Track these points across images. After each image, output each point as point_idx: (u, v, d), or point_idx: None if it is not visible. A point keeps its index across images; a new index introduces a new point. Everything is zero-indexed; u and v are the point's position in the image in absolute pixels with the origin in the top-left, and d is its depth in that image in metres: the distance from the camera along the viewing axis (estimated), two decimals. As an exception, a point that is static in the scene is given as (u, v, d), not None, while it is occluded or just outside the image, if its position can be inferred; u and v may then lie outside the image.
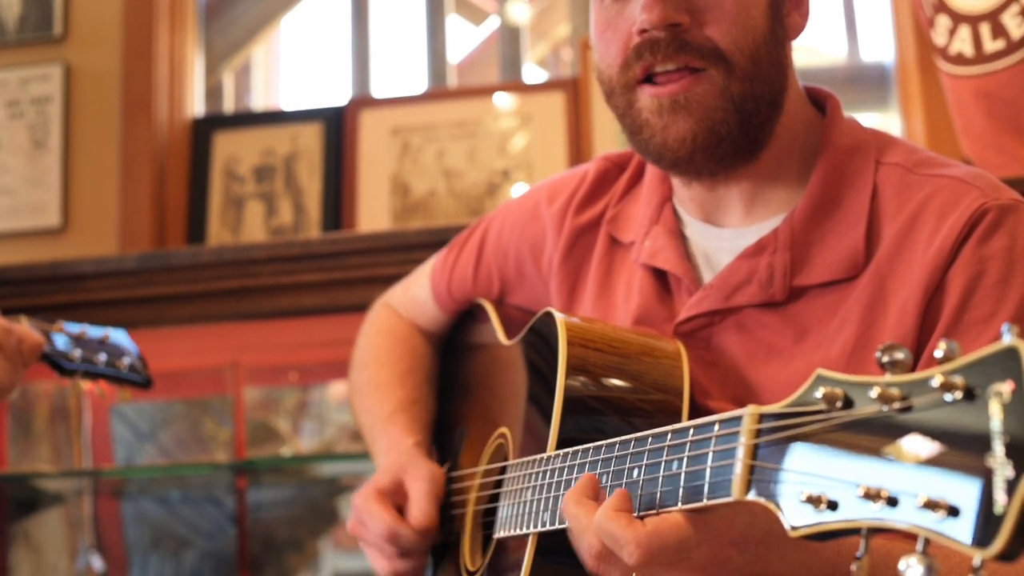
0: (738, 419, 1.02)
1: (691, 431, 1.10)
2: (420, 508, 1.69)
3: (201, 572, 3.18)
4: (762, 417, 0.99)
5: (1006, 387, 0.78)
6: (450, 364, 2.03)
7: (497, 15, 3.79)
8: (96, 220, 3.31)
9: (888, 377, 0.87)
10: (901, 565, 0.82)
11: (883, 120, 3.42)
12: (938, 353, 0.85)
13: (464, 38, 4.36)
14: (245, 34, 3.77)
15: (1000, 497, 0.76)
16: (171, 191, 3.37)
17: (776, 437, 0.95)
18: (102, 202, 3.31)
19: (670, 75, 1.51)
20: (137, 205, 3.28)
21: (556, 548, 1.40)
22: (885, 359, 0.89)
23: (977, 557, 0.77)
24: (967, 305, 1.40)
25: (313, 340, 2.98)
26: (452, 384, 2.00)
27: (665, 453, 1.14)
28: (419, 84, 3.71)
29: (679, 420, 1.46)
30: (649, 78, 1.52)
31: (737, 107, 1.51)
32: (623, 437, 1.25)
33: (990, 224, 1.42)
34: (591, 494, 1.22)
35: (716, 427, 1.05)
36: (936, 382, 0.82)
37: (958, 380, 0.81)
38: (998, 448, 0.77)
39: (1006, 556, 0.76)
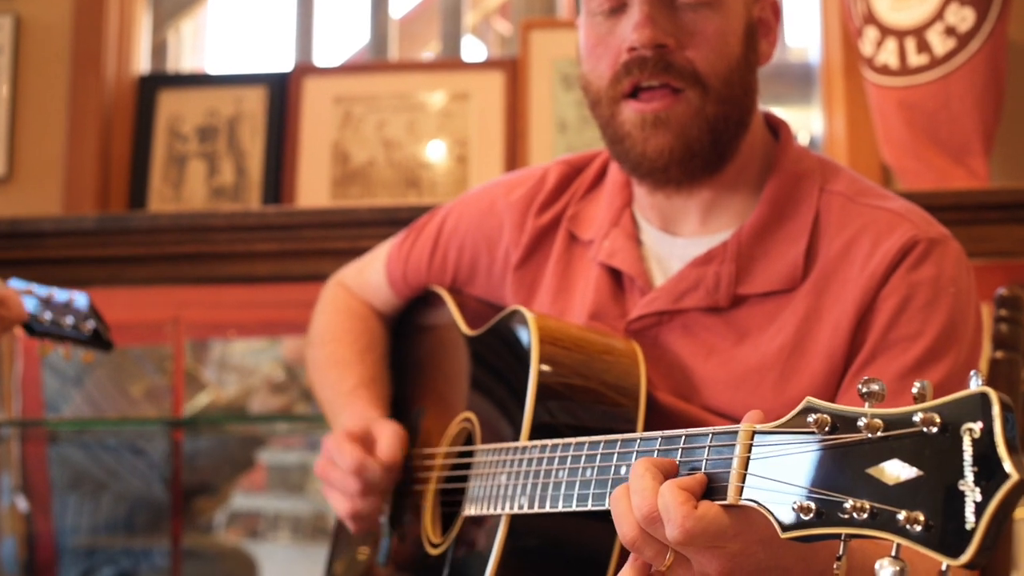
0: (733, 434, 1.15)
1: (683, 439, 1.22)
2: (388, 445, 1.79)
3: (118, 514, 3.27)
4: (755, 434, 1.14)
5: (976, 426, 0.94)
6: (402, 345, 2.12)
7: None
8: (42, 170, 3.34)
9: (873, 409, 1.02)
10: (876, 566, 0.98)
11: (805, 117, 3.56)
12: (914, 390, 1.01)
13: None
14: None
15: (970, 517, 0.92)
16: (116, 146, 3.40)
17: (769, 452, 1.10)
18: (48, 153, 3.34)
19: (653, 92, 1.65)
20: (83, 157, 3.31)
21: (528, 530, 1.53)
22: (864, 390, 1.04)
23: (945, 563, 0.93)
24: (895, 324, 1.58)
25: (257, 301, 3.07)
26: (405, 364, 2.08)
27: (655, 455, 1.25)
28: (361, 44, 3.77)
29: (636, 415, 1.60)
30: (634, 93, 1.67)
31: (711, 126, 1.66)
32: (608, 436, 1.36)
33: (920, 254, 1.60)
34: (665, 468, 1.22)
35: (709, 438, 1.18)
36: (918, 417, 0.97)
37: (936, 417, 0.96)
38: (969, 476, 0.93)
39: (973, 565, 0.92)
